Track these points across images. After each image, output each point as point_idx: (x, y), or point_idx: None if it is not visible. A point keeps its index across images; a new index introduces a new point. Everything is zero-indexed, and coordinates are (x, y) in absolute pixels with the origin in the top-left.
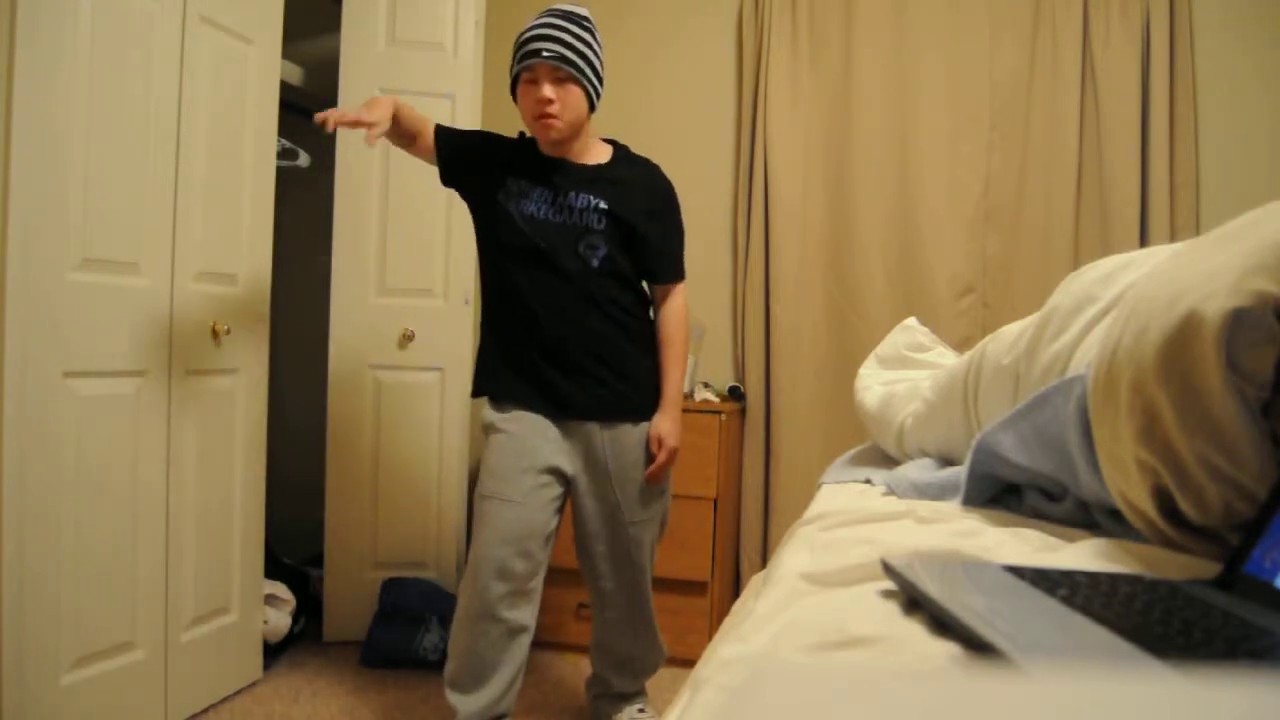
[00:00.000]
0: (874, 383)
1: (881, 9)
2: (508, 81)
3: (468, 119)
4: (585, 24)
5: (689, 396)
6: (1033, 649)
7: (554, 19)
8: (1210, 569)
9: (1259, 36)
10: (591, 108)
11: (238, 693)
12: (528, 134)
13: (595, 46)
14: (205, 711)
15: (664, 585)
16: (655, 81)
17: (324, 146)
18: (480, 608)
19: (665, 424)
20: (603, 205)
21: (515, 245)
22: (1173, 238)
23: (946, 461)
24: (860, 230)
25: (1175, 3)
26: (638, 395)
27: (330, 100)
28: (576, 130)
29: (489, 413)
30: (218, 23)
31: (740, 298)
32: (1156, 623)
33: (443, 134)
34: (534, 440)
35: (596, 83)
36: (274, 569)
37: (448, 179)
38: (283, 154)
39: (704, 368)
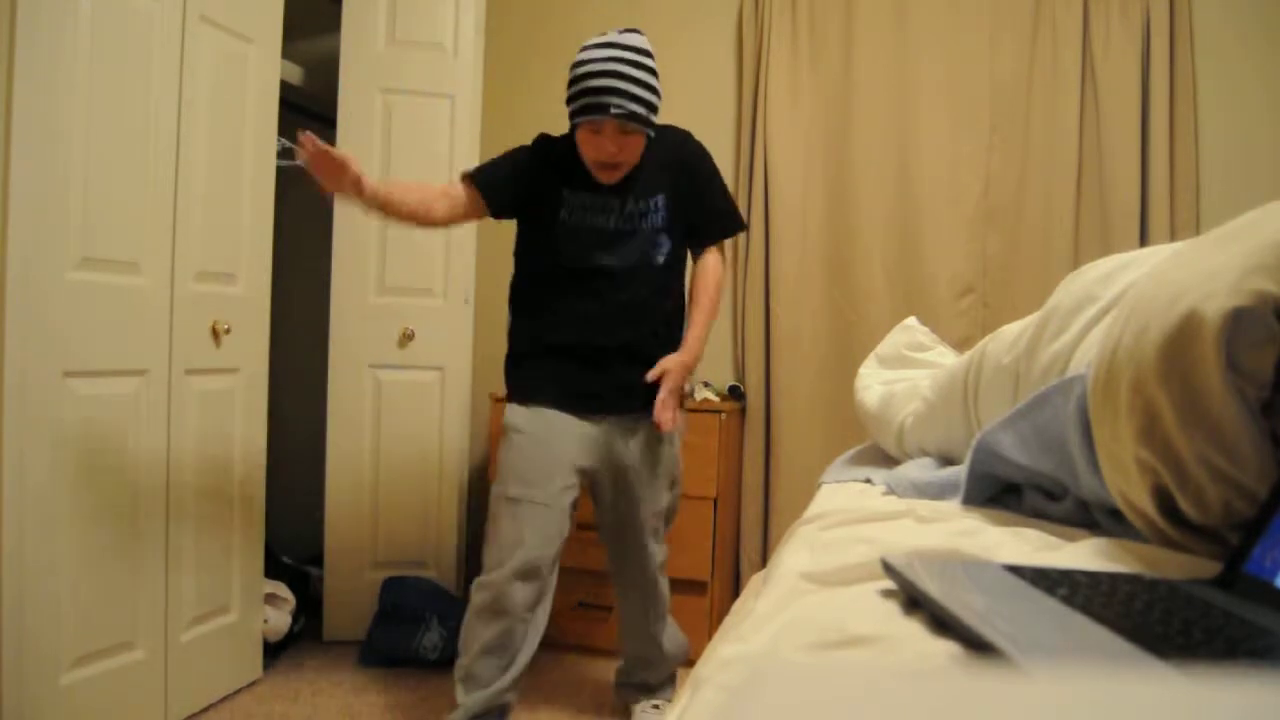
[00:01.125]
0: (874, 382)
1: (881, 9)
2: (508, 81)
3: (467, 119)
4: (649, 59)
5: (689, 396)
6: (1033, 649)
7: (621, 56)
8: (1210, 569)
9: (1259, 37)
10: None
11: (238, 692)
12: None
13: (658, 87)
14: (205, 711)
15: None
16: None
17: None
18: (504, 607)
19: (673, 359)
20: (660, 200)
21: (580, 261)
22: (1173, 238)
23: (946, 461)
24: (860, 230)
25: (1175, 3)
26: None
27: (330, 100)
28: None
29: (513, 410)
30: (218, 22)
31: (740, 298)
32: (1156, 622)
33: (481, 180)
34: (559, 441)
35: (656, 119)
36: (274, 569)
37: (504, 215)
38: (283, 154)
39: (704, 368)
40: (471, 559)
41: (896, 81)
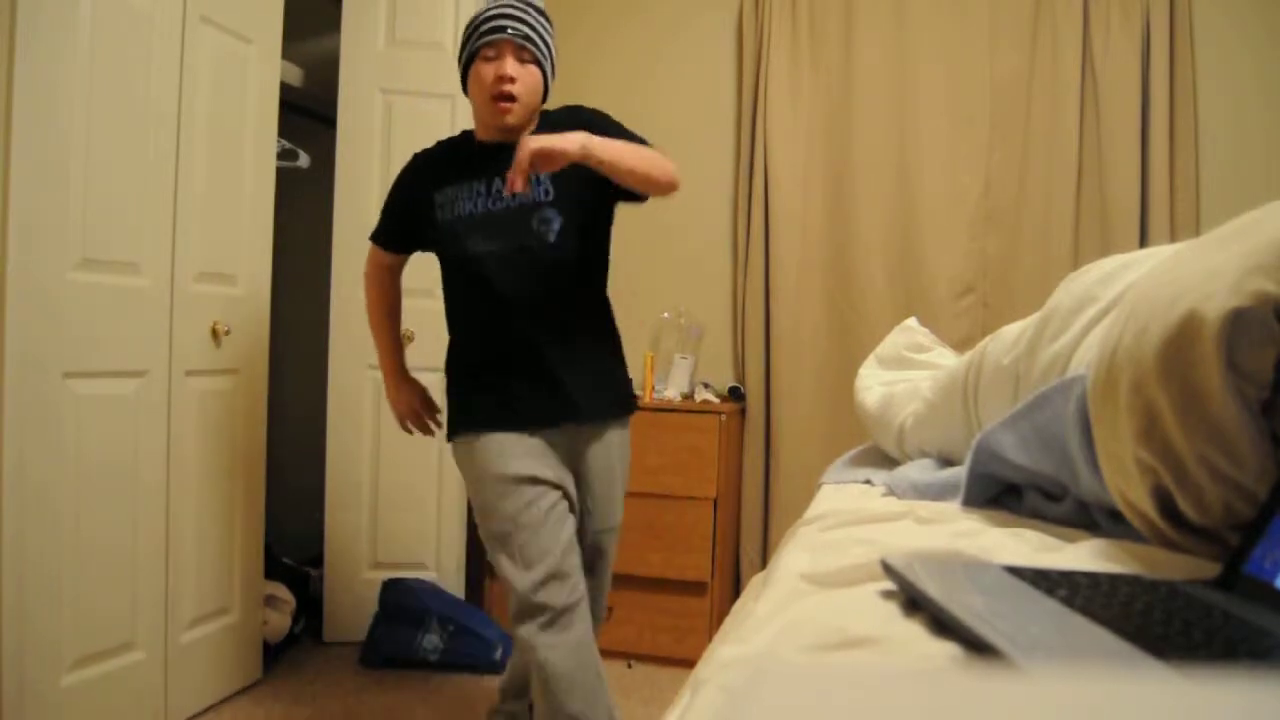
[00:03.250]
0: (874, 383)
1: (881, 9)
2: None
3: (467, 119)
4: (545, 13)
5: (689, 397)
6: (1033, 649)
7: (515, 3)
8: (1210, 569)
9: (1259, 37)
10: (544, 98)
11: (238, 693)
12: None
13: (553, 36)
14: (205, 711)
15: (664, 585)
16: (655, 81)
17: (324, 146)
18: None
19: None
20: (543, 175)
21: (463, 253)
22: (1173, 238)
23: (946, 462)
24: (860, 230)
25: (1175, 3)
26: (607, 393)
27: (330, 100)
28: (529, 120)
29: (457, 447)
30: (218, 23)
31: (740, 298)
32: (1156, 623)
33: (382, 240)
34: (506, 459)
35: (552, 72)
36: (274, 569)
37: (414, 249)
38: (283, 154)
39: (704, 368)
40: (472, 559)
41: (896, 81)
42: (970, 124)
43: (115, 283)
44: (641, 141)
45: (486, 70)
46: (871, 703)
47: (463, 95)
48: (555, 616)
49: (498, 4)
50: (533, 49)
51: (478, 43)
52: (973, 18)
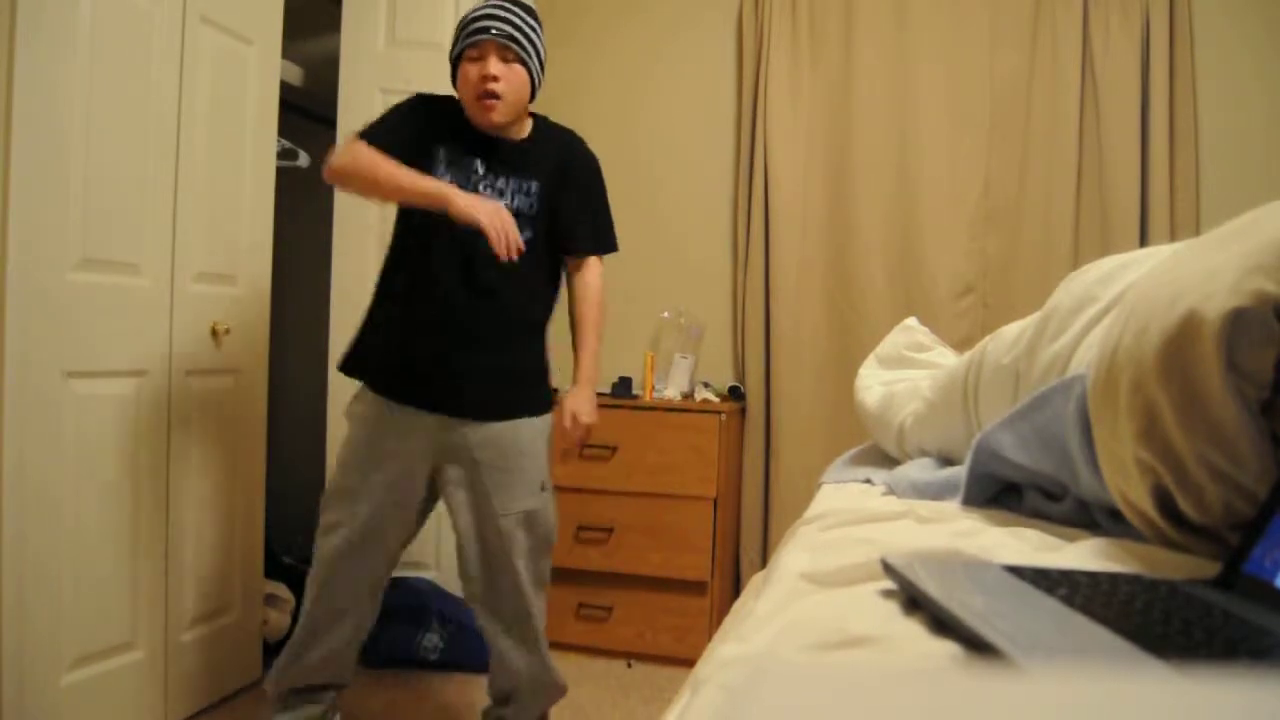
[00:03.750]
0: (874, 382)
1: (881, 9)
2: None
3: None
4: (533, 12)
5: (689, 396)
6: (1033, 649)
7: (502, 3)
8: (1210, 569)
9: (1259, 36)
10: (532, 96)
11: (238, 693)
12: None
13: (541, 35)
14: (205, 711)
15: (664, 585)
16: (655, 81)
17: (324, 146)
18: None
19: (582, 400)
20: (535, 187)
21: (433, 225)
22: (1173, 238)
23: (946, 461)
24: (860, 230)
25: (1175, 3)
26: (526, 391)
27: (330, 100)
28: (517, 117)
29: (354, 403)
30: (218, 23)
31: (740, 298)
32: (1156, 623)
33: (378, 139)
34: (390, 440)
35: (540, 71)
36: (274, 569)
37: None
38: (283, 154)
39: (704, 368)
40: None
41: (896, 81)
42: (970, 124)
43: (115, 283)
44: (607, 205)
45: (471, 70)
46: (871, 702)
47: None
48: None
49: (485, 4)
50: (516, 49)
51: (464, 43)
52: (973, 18)
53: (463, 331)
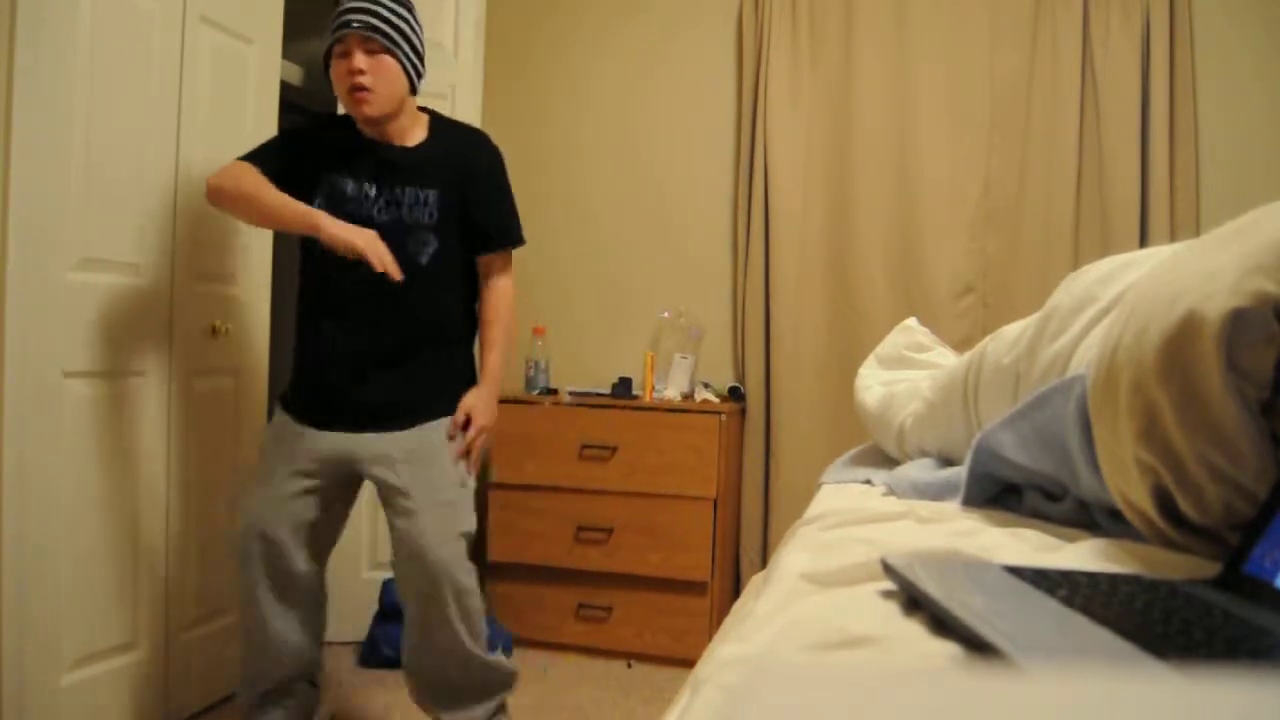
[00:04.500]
0: (874, 383)
1: (881, 9)
2: (508, 80)
3: (465, 116)
4: (403, 2)
5: (689, 397)
6: (1033, 649)
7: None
8: (1210, 569)
9: (1259, 37)
10: (412, 87)
11: (238, 693)
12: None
13: (412, 22)
14: (205, 711)
15: (664, 585)
16: (655, 81)
17: None
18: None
19: (479, 399)
20: (432, 196)
21: (331, 255)
22: (1173, 238)
23: (946, 461)
24: (860, 230)
25: (1175, 3)
26: (439, 401)
27: (330, 100)
28: (395, 108)
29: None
30: (218, 23)
31: (740, 298)
32: (1156, 623)
33: (264, 163)
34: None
35: (415, 59)
36: None
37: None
38: None
39: (704, 368)
40: (474, 557)
41: (896, 81)
42: (970, 124)
43: (115, 283)
44: (510, 197)
45: (339, 66)
46: (872, 703)
47: (462, 92)
48: None
49: (350, 4)
50: (381, 39)
51: (330, 38)
52: (973, 18)
53: (369, 349)
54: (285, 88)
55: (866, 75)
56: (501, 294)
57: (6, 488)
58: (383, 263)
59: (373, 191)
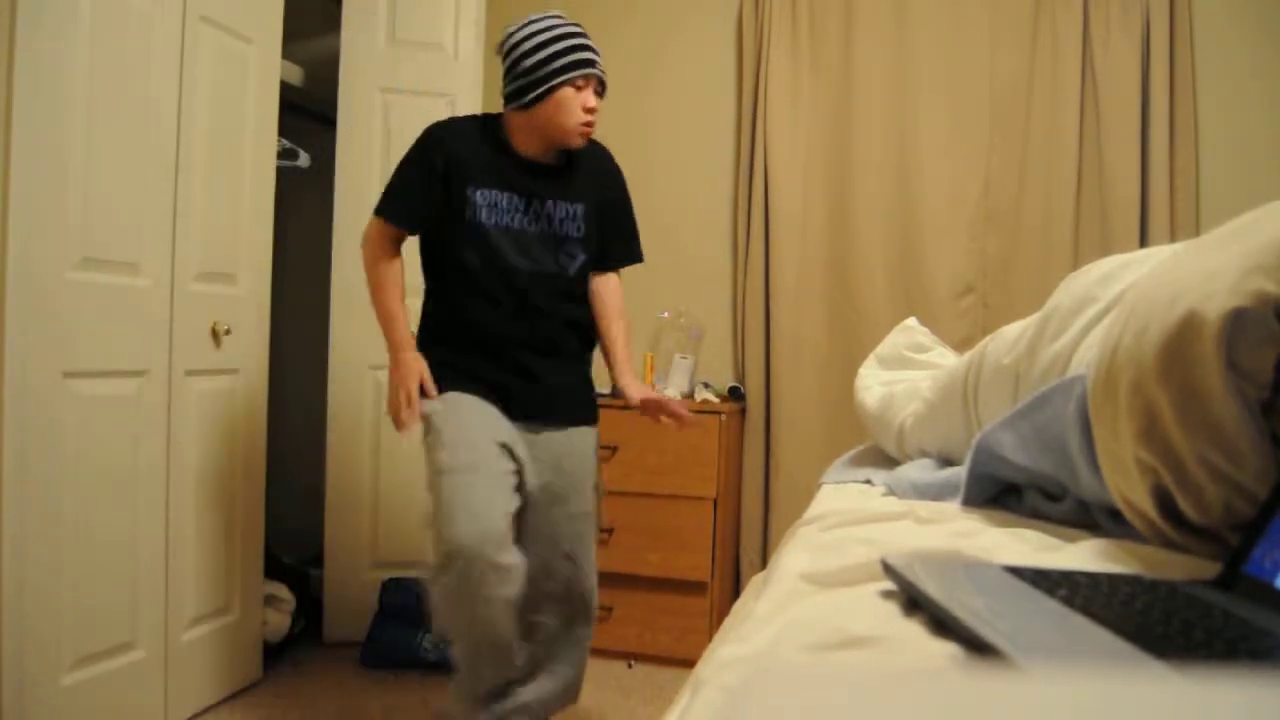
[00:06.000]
0: (874, 383)
1: (881, 10)
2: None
3: None
4: None
5: (689, 396)
6: (1033, 649)
7: (583, 31)
8: (1210, 569)
9: (1259, 36)
10: None
11: (238, 693)
12: (504, 129)
13: None
14: (205, 711)
15: (664, 585)
16: (655, 81)
17: (324, 146)
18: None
19: (646, 389)
20: (579, 210)
21: (504, 263)
22: (1173, 238)
23: (946, 461)
24: (860, 230)
25: (1175, 3)
26: (587, 399)
27: (330, 100)
28: None
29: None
30: (218, 23)
31: (740, 298)
32: (1156, 623)
33: (394, 215)
34: (487, 414)
35: None
36: (274, 569)
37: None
38: (283, 154)
39: (704, 368)
40: None
41: (896, 82)
42: (970, 124)
43: (115, 283)
44: (634, 221)
45: (575, 99)
46: (871, 703)
47: (462, 95)
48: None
49: (571, 29)
50: (603, 89)
51: (573, 71)
52: (973, 18)
53: (522, 354)
54: (285, 88)
55: (866, 76)
56: (618, 290)
57: (6, 488)
58: (394, 410)
59: (521, 204)
